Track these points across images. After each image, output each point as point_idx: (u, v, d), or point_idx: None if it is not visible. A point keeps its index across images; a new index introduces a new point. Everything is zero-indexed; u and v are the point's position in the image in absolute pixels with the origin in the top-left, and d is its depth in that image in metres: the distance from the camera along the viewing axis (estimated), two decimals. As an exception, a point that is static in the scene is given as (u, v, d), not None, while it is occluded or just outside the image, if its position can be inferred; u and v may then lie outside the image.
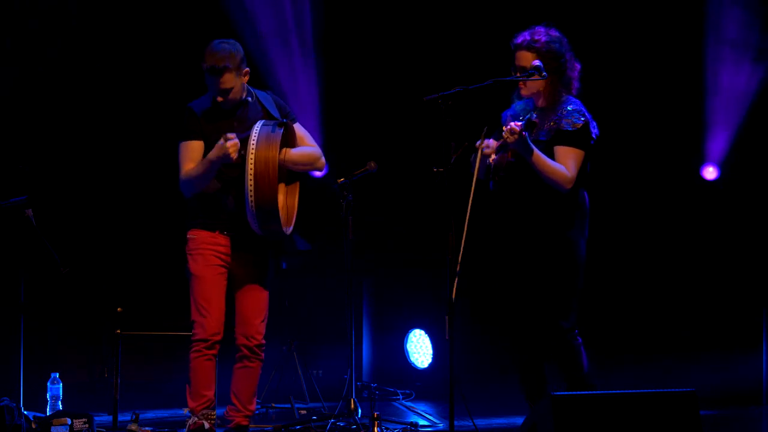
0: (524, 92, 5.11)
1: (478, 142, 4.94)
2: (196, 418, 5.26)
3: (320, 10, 7.85)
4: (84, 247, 7.33)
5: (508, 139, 4.86)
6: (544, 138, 5.01)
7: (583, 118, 4.97)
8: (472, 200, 4.73)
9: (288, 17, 7.83)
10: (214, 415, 5.35)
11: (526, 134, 4.84)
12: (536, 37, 5.03)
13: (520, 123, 4.83)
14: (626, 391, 4.45)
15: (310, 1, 7.87)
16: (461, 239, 4.65)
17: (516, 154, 4.99)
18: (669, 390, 4.43)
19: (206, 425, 5.25)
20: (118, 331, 6.05)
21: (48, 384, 6.37)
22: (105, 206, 7.55)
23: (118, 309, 6.11)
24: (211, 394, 5.31)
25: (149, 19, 7.59)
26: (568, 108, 5.00)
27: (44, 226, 5.67)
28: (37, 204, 5.65)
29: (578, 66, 5.13)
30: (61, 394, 6.37)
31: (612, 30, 7.41)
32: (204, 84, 5.28)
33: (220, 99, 5.21)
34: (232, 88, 5.20)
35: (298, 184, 5.40)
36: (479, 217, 5.01)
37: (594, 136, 5.03)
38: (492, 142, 4.97)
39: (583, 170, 5.02)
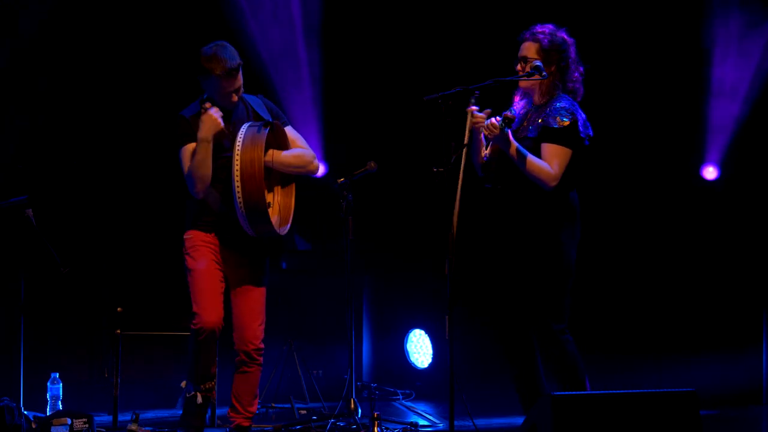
0: (522, 84, 5.12)
1: (468, 107, 4.92)
2: (193, 391, 5.19)
3: (320, 10, 7.85)
4: (84, 247, 7.33)
5: (488, 135, 4.90)
6: (533, 134, 5.02)
7: (569, 116, 4.95)
8: (462, 180, 4.74)
9: (288, 16, 7.83)
10: (212, 385, 5.26)
11: (508, 130, 4.88)
12: (542, 29, 5.06)
13: (499, 119, 4.87)
14: (626, 391, 4.45)
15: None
16: (452, 232, 4.66)
17: (500, 150, 5.01)
18: (669, 390, 4.43)
19: (199, 399, 5.17)
20: (118, 331, 6.06)
21: (48, 384, 6.37)
22: (105, 206, 7.54)
23: (118, 309, 6.12)
24: (213, 370, 5.23)
25: (150, 20, 7.59)
26: (557, 105, 5.00)
27: (44, 226, 5.67)
28: (37, 204, 5.65)
29: (582, 69, 5.14)
30: (61, 394, 6.37)
31: (612, 30, 7.41)
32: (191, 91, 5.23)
33: (234, 99, 5.13)
34: (242, 85, 5.16)
35: (294, 184, 5.36)
36: (473, 215, 5.00)
37: (584, 136, 5.01)
38: (475, 110, 4.93)
39: (571, 170, 4.99)
